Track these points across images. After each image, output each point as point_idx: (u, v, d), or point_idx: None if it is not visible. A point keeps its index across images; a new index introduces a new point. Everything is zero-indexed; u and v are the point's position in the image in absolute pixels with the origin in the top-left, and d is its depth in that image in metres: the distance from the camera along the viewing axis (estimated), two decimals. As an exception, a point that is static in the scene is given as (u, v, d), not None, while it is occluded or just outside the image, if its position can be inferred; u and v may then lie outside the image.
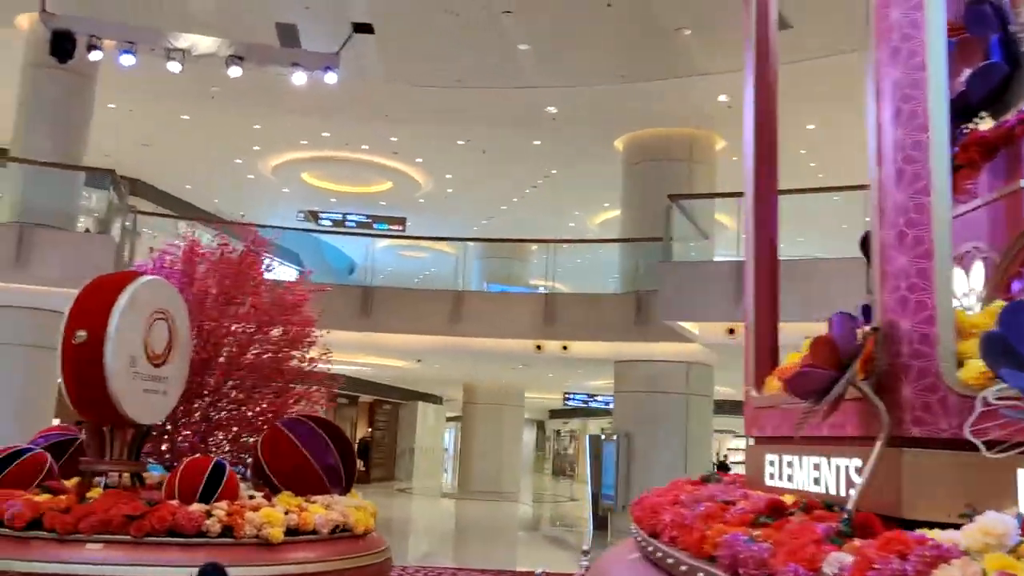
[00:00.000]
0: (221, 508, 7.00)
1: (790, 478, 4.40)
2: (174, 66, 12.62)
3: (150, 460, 8.54)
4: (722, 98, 14.90)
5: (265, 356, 9.25)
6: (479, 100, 15.56)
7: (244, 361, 9.08)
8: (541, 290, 26.56)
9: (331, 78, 13.07)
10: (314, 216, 22.89)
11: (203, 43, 12.64)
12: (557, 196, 21.15)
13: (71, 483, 7.88)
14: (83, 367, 7.44)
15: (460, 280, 19.70)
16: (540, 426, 47.80)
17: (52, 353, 12.90)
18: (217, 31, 12.98)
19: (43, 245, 12.65)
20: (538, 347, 16.09)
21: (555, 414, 43.39)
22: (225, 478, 7.31)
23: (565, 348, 16.06)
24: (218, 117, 16.99)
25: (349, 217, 22.85)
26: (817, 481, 4.00)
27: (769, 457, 4.67)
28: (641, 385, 15.86)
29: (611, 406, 26.57)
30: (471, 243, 24.53)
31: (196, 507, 6.97)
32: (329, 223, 22.93)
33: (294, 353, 9.38)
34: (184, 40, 12.56)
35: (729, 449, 31.42)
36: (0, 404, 12.80)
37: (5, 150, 14.01)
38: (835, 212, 20.23)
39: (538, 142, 17.47)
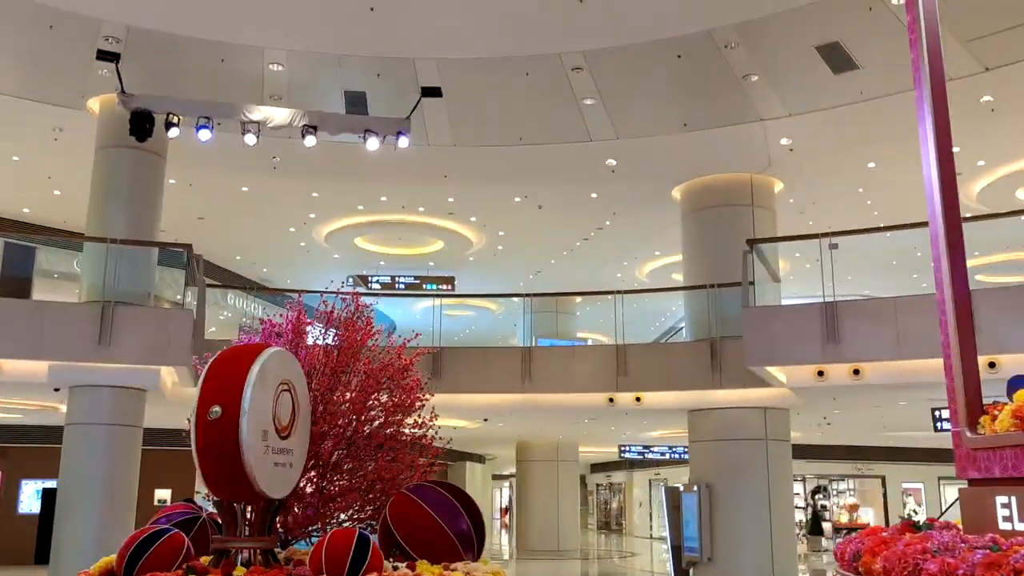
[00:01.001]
0: (373, 581, 6.85)
1: (1038, 520, 4.22)
2: (250, 139, 12.74)
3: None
4: (784, 141, 14.94)
5: (377, 423, 9.16)
6: (539, 156, 15.66)
7: (359, 429, 8.99)
8: (590, 342, 26.52)
9: (403, 143, 13.17)
10: (364, 280, 22.90)
11: (278, 115, 12.78)
12: (607, 247, 21.17)
13: (205, 561, 7.75)
14: (219, 443, 7.36)
15: (522, 336, 19.60)
16: (582, 480, 47.24)
17: (135, 431, 12.92)
18: (288, 102, 13.18)
19: (124, 323, 12.70)
20: (611, 400, 15.94)
21: (596, 468, 42.89)
22: (371, 550, 7.18)
23: (638, 400, 15.89)
24: (277, 187, 17.15)
25: (399, 279, 22.88)
26: (1085, 523, 3.82)
27: (1001, 499, 4.53)
28: (718, 434, 15.65)
29: (666, 456, 26.30)
30: (516, 299, 24.59)
31: (349, 583, 6.82)
32: (379, 286, 22.94)
33: (407, 420, 9.29)
34: (259, 113, 12.70)
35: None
36: (88, 484, 12.71)
37: (81, 233, 14.16)
38: (886, 250, 20.20)
39: (595, 195, 17.54)
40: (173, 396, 14.10)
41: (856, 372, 12.26)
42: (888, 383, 12.55)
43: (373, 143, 13.19)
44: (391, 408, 9.06)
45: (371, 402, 9.13)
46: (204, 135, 12.70)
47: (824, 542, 26.52)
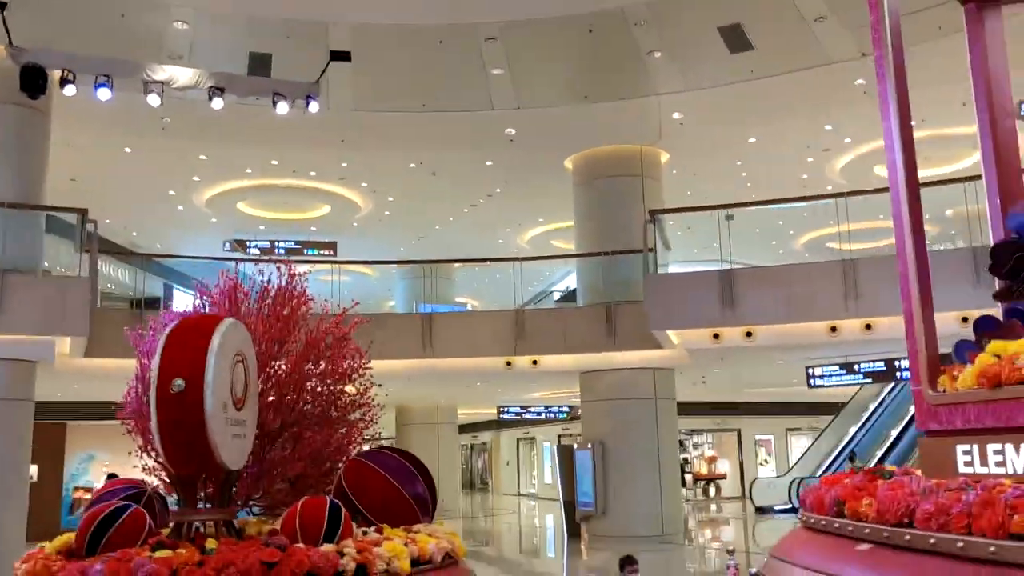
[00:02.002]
0: (350, 547, 7.03)
1: (1000, 465, 4.91)
2: (154, 99, 12.24)
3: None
4: (676, 115, 15.69)
5: (320, 390, 9.20)
6: (439, 124, 15.75)
7: (300, 399, 9.01)
8: (469, 306, 26.92)
9: (313, 107, 12.99)
10: (242, 245, 22.29)
11: (183, 75, 12.31)
12: (493, 214, 21.52)
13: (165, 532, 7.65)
14: (182, 416, 7.28)
15: (399, 302, 19.71)
16: (446, 441, 47.85)
17: (25, 405, 12.32)
18: (188, 62, 12.69)
19: (17, 291, 11.99)
20: (508, 363, 16.39)
21: (463, 428, 43.53)
22: (343, 517, 7.33)
23: (535, 363, 16.43)
24: (163, 148, 16.45)
25: (279, 244, 22.40)
26: (1046, 464, 4.47)
27: (963, 447, 5.20)
28: (610, 393, 16.43)
29: (542, 416, 27.18)
30: (393, 265, 24.62)
31: (327, 547, 6.97)
32: (257, 251, 22.39)
33: (348, 388, 9.37)
34: (163, 72, 12.20)
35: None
36: (-24, 462, 12.00)
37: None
38: (749, 221, 21.50)
39: (490, 162, 17.81)
40: (64, 367, 13.46)
41: (748, 334, 13.22)
42: (776, 344, 13.60)
43: (283, 107, 12.92)
44: (335, 375, 9.13)
45: (313, 370, 9.16)
46: (103, 94, 12.08)
47: (684, 492, 28.16)
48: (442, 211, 21.18)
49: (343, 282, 26.77)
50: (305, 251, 22.64)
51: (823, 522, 5.58)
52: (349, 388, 9.23)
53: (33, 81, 11.60)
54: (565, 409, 26.40)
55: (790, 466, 26.70)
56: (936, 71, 13.84)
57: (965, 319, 12.34)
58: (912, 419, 24.53)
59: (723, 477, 29.51)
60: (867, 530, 5.01)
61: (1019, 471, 4.80)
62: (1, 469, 12.22)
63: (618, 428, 16.29)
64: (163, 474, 8.72)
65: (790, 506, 22.39)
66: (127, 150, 16.49)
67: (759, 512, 22.89)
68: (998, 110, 6.77)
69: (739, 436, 29.86)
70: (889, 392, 25.64)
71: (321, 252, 22.57)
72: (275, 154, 17.16)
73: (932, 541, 4.44)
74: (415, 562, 7.34)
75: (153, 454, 8.56)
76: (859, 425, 25.93)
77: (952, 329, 12.55)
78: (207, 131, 15.56)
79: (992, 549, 4.04)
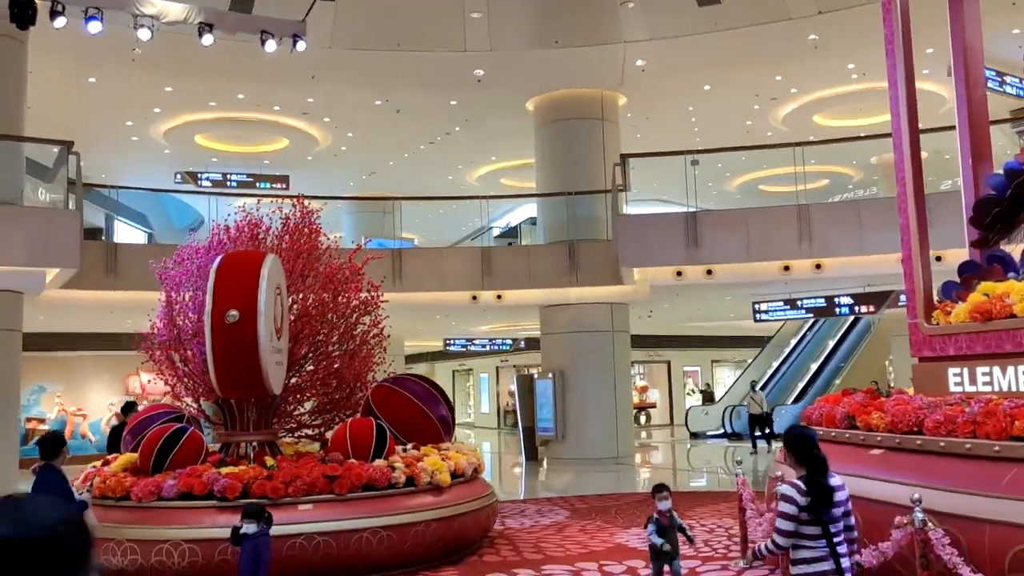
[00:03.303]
0: (399, 462, 7.84)
1: (988, 384, 5.96)
2: (144, 34, 12.26)
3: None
4: (639, 62, 16.41)
5: (341, 323, 9.82)
6: (410, 63, 16.09)
7: (322, 328, 9.62)
8: (416, 242, 27.35)
9: (301, 46, 13.22)
10: (193, 177, 22.18)
11: (173, 10, 12.36)
12: (447, 152, 21.94)
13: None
14: (236, 344, 7.90)
15: (347, 236, 20.09)
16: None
17: (13, 335, 12.52)
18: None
19: (5, 222, 12.05)
20: (474, 298, 17.12)
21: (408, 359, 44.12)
22: (387, 437, 8.11)
23: (499, 297, 17.20)
24: (128, 79, 16.32)
25: (231, 177, 22.37)
26: (1028, 383, 5.51)
27: (954, 371, 6.24)
28: (570, 327, 17.38)
29: (486, 348, 28.06)
30: (340, 200, 24.79)
31: (379, 463, 7.76)
32: (209, 184, 22.32)
33: (364, 319, 10.01)
34: (153, 7, 12.23)
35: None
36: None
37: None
38: (708, 164, 22.50)
39: (454, 102, 18.22)
40: (50, 299, 13.59)
41: (709, 272, 14.26)
42: (732, 282, 14.69)
43: (271, 46, 13.11)
44: (358, 308, 9.78)
45: (332, 303, 9.78)
46: (94, 27, 12.04)
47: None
48: (399, 147, 21.50)
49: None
50: (258, 184, 22.64)
51: (833, 433, 6.58)
52: (365, 319, 9.90)
53: (23, 12, 11.50)
54: (508, 342, 27.32)
55: (719, 397, 28.35)
56: (876, 30, 14.87)
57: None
58: (830, 354, 26.40)
59: (653, 406, 31.10)
60: (879, 438, 6.03)
61: (1004, 389, 5.85)
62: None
63: (577, 359, 17.29)
64: (191, 400, 9.30)
65: (721, 431, 24.01)
66: (91, 80, 16.30)
67: (693, 437, 24.45)
68: (972, 80, 7.77)
69: (668, 367, 31.41)
70: (809, 328, 27.42)
71: (273, 186, 22.65)
72: (242, 88, 17.20)
73: (942, 444, 5.45)
74: (452, 475, 8.20)
75: (184, 382, 9.11)
76: (781, 359, 27.71)
77: (894, 269, 13.85)
78: (176, 63, 15.53)
79: (996, 448, 5.08)
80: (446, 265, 17.08)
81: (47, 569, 1.14)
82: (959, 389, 6.18)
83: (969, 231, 7.33)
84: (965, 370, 6.12)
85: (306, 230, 9.96)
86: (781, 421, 22.19)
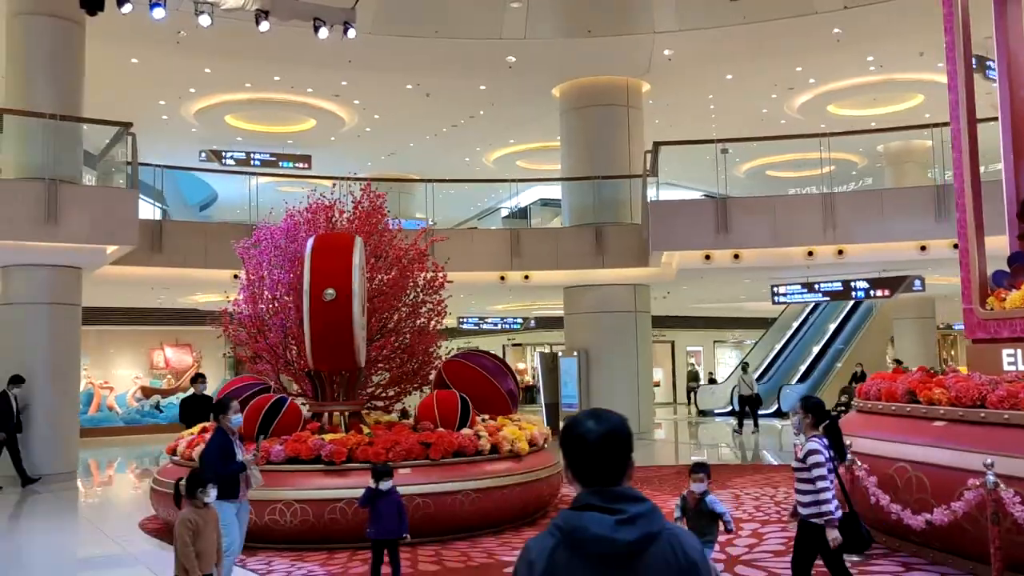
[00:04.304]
0: (483, 431, 8.48)
1: (1041, 364, 6.58)
2: (204, 20, 12.73)
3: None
4: (667, 52, 16.97)
5: (412, 297, 10.41)
6: (444, 49, 16.57)
7: (395, 305, 10.21)
8: (430, 221, 27.79)
9: (351, 34, 13.72)
10: (217, 156, 22.59)
11: (231, -3, 12.82)
12: (469, 134, 22.44)
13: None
14: (332, 321, 8.49)
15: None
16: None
17: (74, 309, 13.02)
18: (237, -16, 13.11)
19: (71, 202, 12.53)
20: (502, 278, 17.72)
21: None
22: (470, 407, 8.74)
23: (527, 278, 17.81)
24: (170, 61, 16.74)
25: (254, 156, 22.80)
26: (1081, 363, 6.16)
27: (1007, 351, 6.91)
28: (594, 307, 18.02)
29: (498, 327, 28.69)
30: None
31: (466, 431, 8.40)
32: (233, 162, 22.75)
33: (427, 298, 10.60)
34: (213, -7, 12.68)
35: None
36: (31, 360, 12.65)
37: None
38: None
39: (483, 87, 18.72)
40: (103, 275, 14.11)
41: (736, 256, 14.91)
42: (758, 266, 15.36)
43: (323, 33, 13.60)
44: (426, 287, 10.37)
45: (402, 280, 10.36)
46: (158, 13, 12.50)
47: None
48: (422, 129, 21.97)
49: (302, 193, 27.29)
50: (280, 163, 23.15)
51: (894, 407, 7.25)
52: (432, 297, 10.49)
53: (92, -3, 11.98)
54: (520, 321, 27.94)
55: (723, 377, 29.11)
56: (899, 25, 15.55)
57: (923, 247, 14.25)
58: (831, 337, 27.17)
59: (657, 385, 31.86)
60: (942, 411, 6.70)
61: (1054, 369, 6.47)
62: (57, 368, 12.94)
63: (600, 338, 17.95)
64: (273, 373, 9.88)
65: (729, 409, 24.76)
66: (134, 61, 16.70)
67: (701, 415, 25.21)
68: (1016, 84, 8.39)
69: (672, 347, 32.16)
70: (811, 312, 28.20)
71: (296, 165, 23.13)
72: (279, 71, 17.63)
73: (1006, 416, 6.13)
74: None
75: (266, 356, 9.68)
76: (783, 342, 28.48)
77: (912, 256, 14.57)
78: (218, 46, 15.93)
79: (1061, 420, 5.71)
80: (476, 246, 17.63)
81: (629, 445, 1.96)
82: (1013, 368, 6.86)
83: (1013, 225, 7.95)
84: (1019, 351, 6.80)
85: (378, 215, 10.52)
86: (787, 400, 23.00)
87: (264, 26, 13.16)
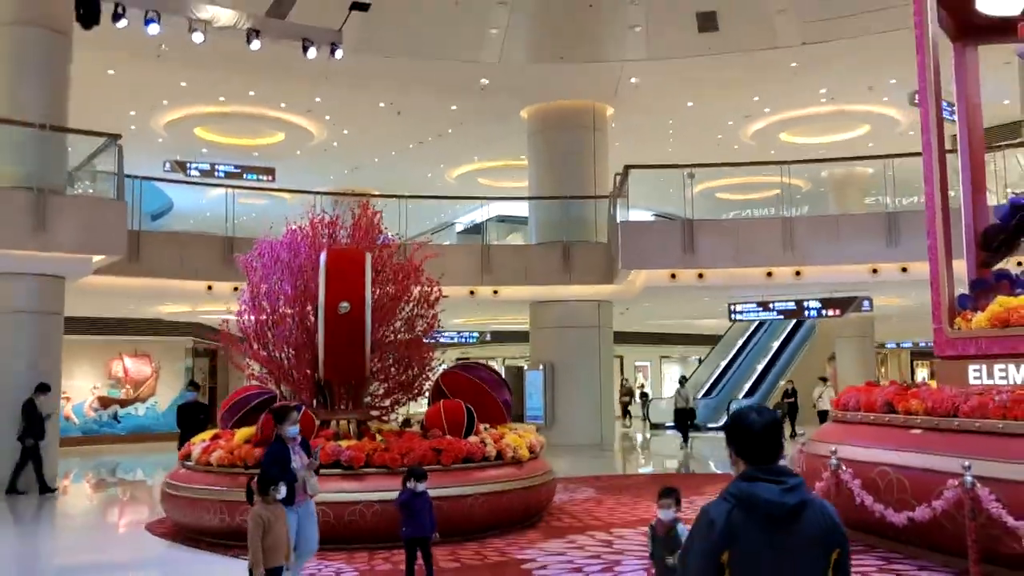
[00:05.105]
0: (488, 439, 9.00)
1: (1004, 378, 7.43)
2: (197, 37, 13.09)
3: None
4: (633, 80, 17.75)
5: (403, 314, 10.84)
6: (422, 70, 17.07)
7: (394, 318, 10.64)
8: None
9: (339, 54, 14.17)
10: (182, 167, 22.66)
11: (224, 15, 13.18)
12: (434, 151, 22.92)
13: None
14: (346, 333, 8.92)
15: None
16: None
17: (56, 319, 13.15)
18: (230, 4, 13.45)
19: (61, 211, 12.66)
20: (471, 292, 18.22)
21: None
22: (475, 416, 9.24)
23: (495, 292, 18.35)
24: (146, 74, 16.91)
25: (218, 167, 22.90)
26: (1038, 378, 6.96)
27: (974, 367, 7.70)
28: (559, 322, 18.64)
29: (454, 340, 29.10)
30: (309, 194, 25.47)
31: (473, 439, 8.89)
32: (197, 173, 22.83)
33: (423, 312, 11.04)
34: (206, 12, 13.02)
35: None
36: (16, 368, 12.68)
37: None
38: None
39: (455, 107, 19.26)
40: (91, 285, 14.20)
41: (700, 276, 15.68)
42: (720, 285, 16.15)
43: (312, 53, 14.02)
44: (421, 301, 10.83)
45: (399, 294, 10.80)
46: (153, 29, 12.85)
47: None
48: (390, 146, 22.36)
49: (260, 205, 27.46)
50: (245, 175, 23.28)
51: (872, 417, 7.98)
52: (429, 311, 10.96)
53: (89, 12, 12.20)
54: (476, 335, 28.43)
55: (670, 393, 29.97)
56: (851, 61, 16.62)
57: (875, 270, 15.21)
58: (775, 355, 28.30)
59: (606, 398, 32.67)
60: (918, 420, 7.43)
61: (1018, 382, 7.32)
62: (40, 377, 12.98)
63: (565, 352, 18.58)
64: (273, 384, 10.24)
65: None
66: (111, 72, 16.81)
67: (653, 428, 26.02)
68: (973, 124, 9.27)
69: (621, 361, 32.98)
70: (756, 330, 29.32)
71: (260, 177, 23.30)
72: (256, 85, 17.89)
73: (977, 425, 6.87)
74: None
75: (268, 368, 10.01)
76: (728, 359, 29.53)
77: (864, 278, 15.53)
78: (199, 60, 16.14)
79: (1026, 428, 6.46)
80: (448, 261, 18.02)
81: (782, 432, 2.52)
82: (978, 382, 7.64)
83: (971, 252, 8.77)
84: (984, 367, 7.59)
85: (375, 231, 10.95)
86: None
87: (255, 45, 13.54)
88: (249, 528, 5.34)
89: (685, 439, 19.77)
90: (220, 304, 18.72)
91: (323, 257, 9.11)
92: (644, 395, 31.04)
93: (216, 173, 23.12)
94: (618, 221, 16.34)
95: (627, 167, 16.58)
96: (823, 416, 18.27)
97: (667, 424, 26.10)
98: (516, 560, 7.54)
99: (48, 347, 13.26)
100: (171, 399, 23.90)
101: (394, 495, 7.74)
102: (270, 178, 23.24)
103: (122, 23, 12.49)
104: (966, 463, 6.32)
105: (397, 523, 7.60)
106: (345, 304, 8.73)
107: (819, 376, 22.68)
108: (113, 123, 19.71)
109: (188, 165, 22.92)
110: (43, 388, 12.36)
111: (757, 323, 28.01)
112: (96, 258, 13.25)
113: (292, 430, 6.11)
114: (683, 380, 23.46)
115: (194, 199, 26.47)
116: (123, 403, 22.73)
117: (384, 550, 7.78)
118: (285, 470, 5.97)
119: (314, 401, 9.64)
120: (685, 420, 20.19)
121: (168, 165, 22.68)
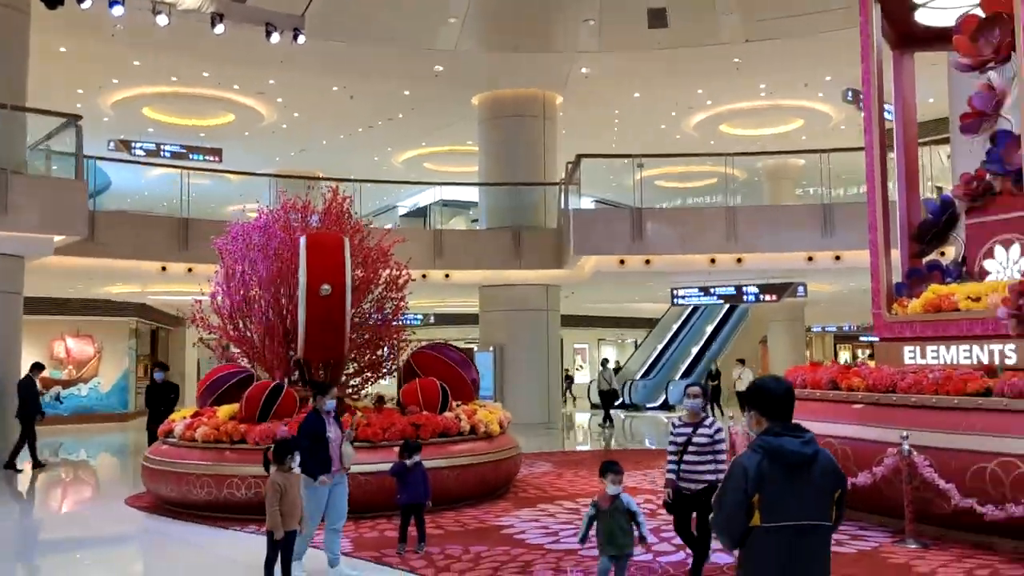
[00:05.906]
0: (463, 415, 9.52)
1: (935, 358, 8.24)
2: (162, 19, 13.20)
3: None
4: (584, 70, 18.33)
5: (372, 296, 11.25)
6: (378, 56, 17.35)
7: (365, 300, 11.05)
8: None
9: (301, 39, 14.40)
10: (126, 146, 22.43)
11: (188, -1, 13.27)
12: (383, 136, 23.18)
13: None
14: (326, 314, 9.32)
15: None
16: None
17: (15, 298, 13.23)
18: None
19: (22, 191, 12.64)
20: (424, 276, 18.61)
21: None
22: (449, 393, 9.76)
23: (447, 276, 18.79)
24: (97, 52, 16.80)
25: (164, 147, 22.74)
26: (968, 358, 7.83)
27: (908, 348, 8.51)
28: (509, 305, 19.20)
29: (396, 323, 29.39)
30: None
31: (448, 415, 9.41)
32: (143, 153, 22.63)
33: (392, 295, 11.46)
34: (170, -6, 13.10)
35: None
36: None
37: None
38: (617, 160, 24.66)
39: (407, 92, 19.56)
40: (48, 265, 14.19)
41: (647, 262, 16.39)
42: (666, 271, 16.90)
43: (275, 38, 14.23)
44: (391, 284, 11.26)
45: (368, 279, 11.22)
46: (118, 11, 12.94)
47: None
48: (339, 129, 22.53)
49: (205, 185, 27.29)
50: (191, 156, 23.16)
51: (818, 394, 8.73)
52: (396, 294, 11.40)
53: (54, -8, 12.21)
54: (419, 317, 28.79)
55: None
56: (789, 60, 17.49)
57: (810, 258, 16.12)
58: (709, 338, 29.36)
59: (546, 380, 33.41)
60: (859, 396, 8.20)
61: (948, 362, 8.12)
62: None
63: (514, 335, 19.15)
64: (247, 363, 10.58)
65: (621, 401, 26.46)
66: (62, 49, 16.65)
67: (594, 407, 26.82)
68: (907, 122, 10.09)
69: (560, 343, 33.72)
70: (691, 314, 30.33)
71: (206, 158, 23.21)
72: (209, 67, 17.91)
73: (913, 400, 7.66)
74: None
75: (242, 347, 10.35)
76: (664, 343, 30.49)
77: (800, 265, 16.44)
78: (152, 40, 16.10)
79: (956, 401, 7.29)
80: (400, 245, 18.40)
81: (794, 395, 3.04)
82: (912, 362, 8.44)
83: (905, 244, 9.58)
84: (918, 348, 8.39)
85: (346, 216, 11.30)
86: (673, 393, 24.91)
87: (219, 28, 13.70)
88: (267, 495, 5.75)
89: (606, 418, 20.29)
90: (173, 285, 18.77)
91: (303, 240, 9.45)
92: (569, 378, 31.80)
93: (162, 153, 22.94)
94: (570, 208, 16.93)
95: (579, 156, 17.17)
96: (741, 397, 19.19)
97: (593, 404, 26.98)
98: (495, 526, 8.08)
99: (7, 327, 13.27)
100: (114, 379, 23.78)
101: (377, 468, 8.24)
102: (216, 159, 23.16)
103: (86, 3, 12.54)
104: (904, 433, 7.08)
105: (381, 493, 8.09)
106: (327, 287, 9.11)
107: (737, 358, 23.56)
108: (60, 101, 19.48)
109: (133, 144, 22.69)
110: (38, 367, 12.84)
111: (692, 307, 28.99)
112: (57, 238, 13.28)
113: (330, 404, 6.48)
114: (605, 363, 24.19)
115: (133, 178, 26.16)
116: (65, 384, 22.50)
117: (369, 519, 8.23)
118: (319, 440, 6.32)
119: (286, 379, 10.01)
120: (608, 401, 20.80)
121: (112, 144, 22.44)
